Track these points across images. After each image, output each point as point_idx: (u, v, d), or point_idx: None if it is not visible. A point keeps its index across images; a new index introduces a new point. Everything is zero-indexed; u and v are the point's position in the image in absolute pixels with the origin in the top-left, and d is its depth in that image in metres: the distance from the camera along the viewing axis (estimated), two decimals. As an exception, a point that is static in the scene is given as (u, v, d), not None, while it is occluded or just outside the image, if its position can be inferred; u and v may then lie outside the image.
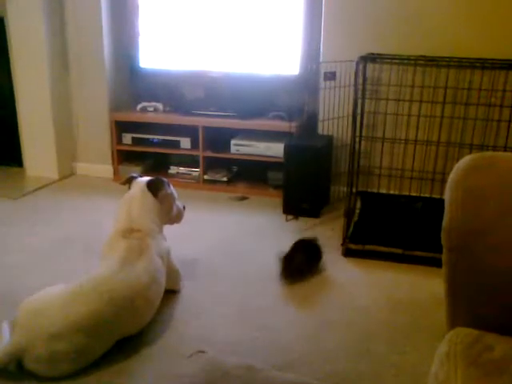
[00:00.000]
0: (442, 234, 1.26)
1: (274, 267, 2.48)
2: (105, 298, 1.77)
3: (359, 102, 2.63)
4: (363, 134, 2.98)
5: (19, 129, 3.77)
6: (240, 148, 3.46)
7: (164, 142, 3.63)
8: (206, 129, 3.50)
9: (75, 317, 1.69)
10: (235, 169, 3.70)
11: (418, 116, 3.01)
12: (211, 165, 3.65)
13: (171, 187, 2.28)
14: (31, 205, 3.26)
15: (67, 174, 3.83)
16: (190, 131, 3.56)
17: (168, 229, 2.28)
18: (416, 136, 3.03)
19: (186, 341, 1.90)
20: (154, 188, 2.17)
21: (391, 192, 3.14)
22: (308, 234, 2.84)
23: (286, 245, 2.71)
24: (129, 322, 1.85)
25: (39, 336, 1.64)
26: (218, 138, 3.55)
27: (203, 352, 1.74)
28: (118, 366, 1.76)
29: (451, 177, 1.30)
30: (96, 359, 1.75)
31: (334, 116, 3.22)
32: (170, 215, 2.29)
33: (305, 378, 1.70)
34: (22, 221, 3.00)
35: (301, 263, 2.37)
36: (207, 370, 1.60)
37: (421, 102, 3.00)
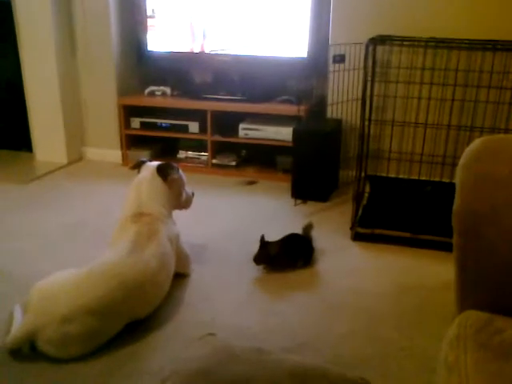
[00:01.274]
0: (453, 218, 1.25)
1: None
2: (114, 282, 1.79)
3: (368, 84, 2.60)
4: (372, 117, 2.95)
5: (28, 114, 3.77)
6: (248, 132, 3.45)
7: (172, 126, 3.62)
8: (215, 113, 3.49)
9: (85, 300, 1.71)
10: (244, 153, 3.69)
11: (429, 99, 2.98)
12: (220, 149, 3.64)
13: (180, 172, 2.28)
14: (41, 190, 3.28)
15: (76, 158, 3.84)
16: (199, 115, 3.55)
17: (177, 213, 2.29)
18: (426, 119, 3.00)
19: (195, 324, 1.91)
20: (163, 172, 2.17)
21: (400, 176, 3.12)
22: (316, 219, 2.84)
23: (294, 229, 2.71)
24: (138, 306, 1.87)
25: (51, 319, 1.67)
26: (227, 122, 3.53)
27: (213, 335, 1.75)
28: (127, 348, 1.78)
29: (462, 160, 1.29)
30: (106, 341, 1.77)
31: (342, 99, 3.19)
32: (179, 200, 2.29)
33: (313, 361, 1.71)
34: (32, 206, 3.02)
35: (273, 255, 2.28)
36: (216, 353, 1.61)
37: (431, 84, 2.97)
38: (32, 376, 1.63)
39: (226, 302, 2.06)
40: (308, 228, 2.46)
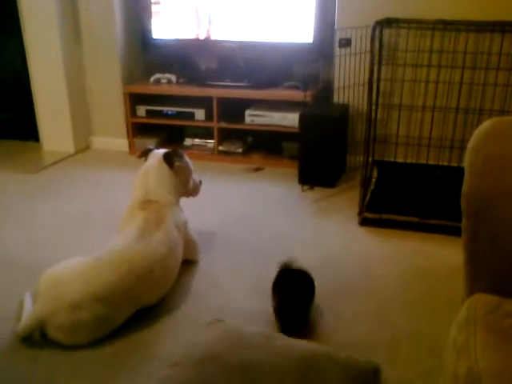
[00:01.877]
0: (462, 200, 1.24)
1: (291, 238, 2.49)
2: (123, 269, 1.80)
3: (375, 68, 2.57)
4: (379, 101, 2.93)
5: (35, 104, 3.78)
6: (255, 118, 3.43)
7: (178, 113, 3.61)
8: (221, 100, 3.47)
9: (95, 287, 1.72)
10: (250, 140, 3.67)
11: (437, 82, 2.94)
12: (226, 136, 3.63)
13: (187, 159, 2.28)
14: (49, 179, 3.30)
15: (83, 147, 3.85)
16: (205, 102, 3.53)
17: (184, 201, 2.29)
18: (434, 103, 2.97)
19: (204, 311, 1.92)
20: (170, 160, 2.17)
21: (408, 161, 3.10)
22: (323, 205, 2.84)
23: (301, 215, 2.71)
24: (147, 293, 1.88)
25: (60, 306, 1.68)
26: (233, 109, 3.52)
27: (221, 321, 1.76)
28: (137, 334, 1.79)
29: (471, 142, 1.27)
30: (116, 328, 1.79)
31: (349, 84, 3.17)
32: (187, 188, 2.29)
33: (321, 346, 1.72)
34: (40, 195, 3.04)
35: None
36: (225, 339, 1.62)
37: (439, 67, 2.93)
38: (43, 362, 1.65)
39: (234, 288, 2.07)
40: (290, 264, 1.94)
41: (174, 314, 1.91)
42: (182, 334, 1.79)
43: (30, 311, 1.76)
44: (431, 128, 3.00)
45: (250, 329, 1.67)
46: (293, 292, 1.83)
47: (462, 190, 1.24)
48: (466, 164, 1.27)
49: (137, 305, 1.85)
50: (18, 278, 2.13)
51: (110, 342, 1.74)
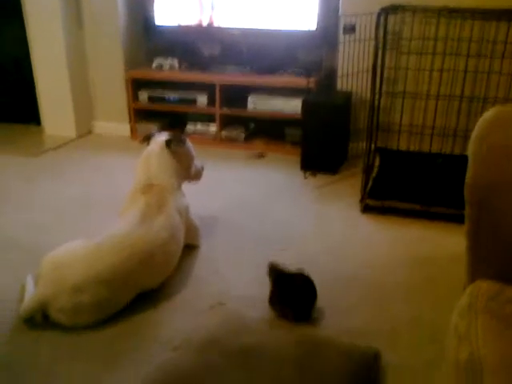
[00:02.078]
0: (465, 189, 1.23)
1: (292, 224, 2.49)
2: (125, 253, 1.80)
3: (379, 55, 2.55)
4: (383, 89, 2.91)
5: (36, 88, 3.76)
6: (257, 105, 3.42)
7: (180, 99, 3.59)
8: (223, 86, 3.45)
9: (96, 270, 1.73)
10: (252, 126, 3.66)
11: (441, 70, 2.92)
12: (228, 122, 3.62)
13: (189, 144, 2.28)
14: (51, 162, 3.29)
15: (85, 132, 3.84)
16: (207, 88, 3.51)
17: (186, 186, 2.29)
18: (438, 91, 2.95)
19: (205, 295, 1.93)
20: (172, 144, 2.17)
21: (411, 149, 3.09)
22: (325, 192, 2.84)
23: (303, 201, 2.71)
24: (148, 276, 1.89)
25: (62, 288, 1.69)
26: (235, 95, 3.50)
27: (223, 304, 1.77)
28: (139, 317, 1.80)
29: (475, 131, 1.27)
30: (118, 310, 1.80)
31: (353, 71, 3.15)
32: (189, 173, 2.29)
33: (323, 331, 1.73)
34: (42, 178, 3.04)
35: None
36: (227, 323, 1.63)
37: (444, 55, 2.91)
38: (45, 344, 1.66)
39: (235, 274, 2.08)
40: (275, 268, 1.87)
41: (174, 298, 1.92)
42: (182, 318, 1.80)
43: (32, 293, 1.77)
44: (435, 116, 2.98)
45: (252, 313, 1.68)
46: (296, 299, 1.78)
47: (466, 178, 1.24)
48: (469, 153, 1.27)
49: (138, 288, 1.86)
50: (19, 260, 2.14)
51: (112, 324, 1.75)
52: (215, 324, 1.63)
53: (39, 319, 1.72)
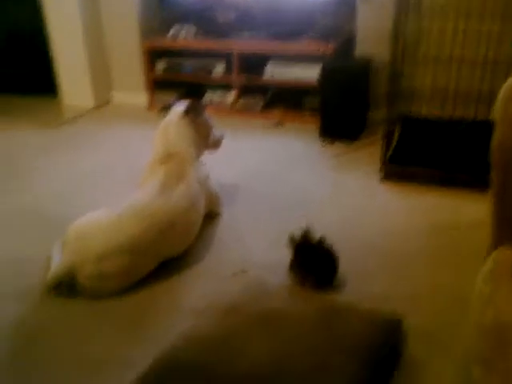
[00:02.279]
0: (492, 152, 1.21)
1: (311, 192, 2.49)
2: (146, 222, 1.82)
3: (401, 18, 2.48)
4: (404, 53, 2.83)
5: (54, 58, 3.76)
6: (275, 72, 3.37)
7: (197, 68, 3.56)
8: (240, 53, 3.40)
9: (119, 240, 1.76)
10: (270, 94, 3.62)
11: (465, 31, 2.82)
12: (245, 91, 3.58)
13: (208, 114, 2.27)
14: (71, 133, 3.32)
15: (103, 102, 3.84)
16: (224, 57, 3.47)
17: (205, 155, 2.29)
18: (462, 54, 2.86)
19: (227, 262, 1.95)
20: (190, 113, 2.16)
21: (433, 115, 3.02)
22: (344, 160, 2.81)
23: (322, 170, 2.69)
24: (170, 245, 1.92)
25: (88, 257, 1.72)
26: (253, 63, 3.45)
27: (245, 271, 1.79)
28: (162, 284, 1.83)
29: (502, 92, 1.23)
30: (142, 278, 1.83)
31: (373, 35, 3.06)
32: (207, 141, 2.29)
33: (344, 297, 1.74)
34: (63, 149, 3.07)
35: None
36: (248, 290, 1.65)
37: (468, 15, 2.80)
38: (73, 310, 1.71)
39: (256, 241, 2.09)
40: (306, 234, 1.86)
41: (197, 265, 1.95)
42: (205, 285, 1.83)
43: (58, 262, 1.81)
44: (458, 80, 2.91)
45: (273, 280, 1.70)
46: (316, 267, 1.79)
47: (492, 142, 1.22)
48: (496, 115, 1.24)
49: (160, 257, 1.88)
50: (43, 230, 2.18)
51: (136, 291, 1.79)
52: (237, 290, 1.65)
53: (65, 287, 1.77)
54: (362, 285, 1.82)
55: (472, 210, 2.27)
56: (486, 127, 1.30)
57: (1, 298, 1.77)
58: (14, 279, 1.87)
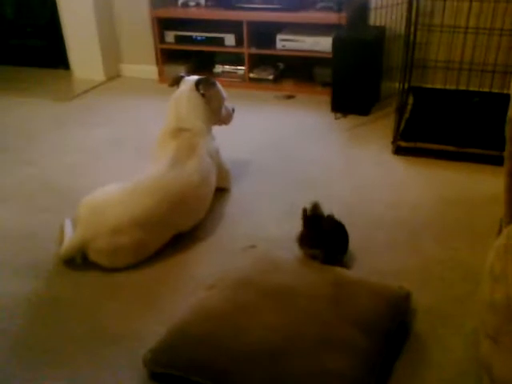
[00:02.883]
0: (507, 126, 1.19)
1: (323, 166, 2.48)
2: (158, 196, 1.83)
3: (416, -14, 2.41)
4: (419, 22, 2.77)
5: (64, 31, 3.73)
6: (286, 43, 3.32)
7: (208, 39, 3.51)
8: (251, 23, 3.35)
9: (132, 213, 1.77)
10: (281, 66, 3.57)
11: (481, 0, 2.75)
12: (257, 62, 3.54)
13: (219, 86, 2.24)
14: (82, 107, 3.31)
15: (113, 75, 3.82)
16: (235, 27, 3.42)
17: (216, 129, 2.28)
18: (477, 23, 2.79)
19: (237, 237, 1.96)
20: (201, 87, 2.14)
21: (447, 87, 2.97)
22: (356, 133, 2.79)
23: (334, 143, 2.67)
24: (182, 219, 1.93)
25: (101, 231, 1.74)
26: (264, 34, 3.40)
27: (254, 247, 1.80)
28: (174, 258, 1.85)
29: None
30: (154, 252, 1.85)
31: (387, 3, 2.99)
32: (219, 115, 2.27)
33: (354, 272, 1.75)
34: (74, 122, 3.07)
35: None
36: (259, 263, 1.67)
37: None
38: (87, 284, 1.74)
39: (266, 216, 2.09)
40: (316, 208, 1.81)
41: (208, 239, 1.96)
42: (216, 259, 1.84)
43: (71, 235, 1.84)
44: (473, 51, 2.84)
45: (283, 254, 1.70)
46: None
47: (508, 114, 1.19)
48: (512, 88, 1.21)
49: (173, 230, 1.90)
50: (56, 203, 2.20)
51: (149, 265, 1.81)
52: (249, 264, 1.67)
53: (79, 261, 1.80)
54: (372, 259, 1.82)
55: (486, 185, 2.24)
56: (501, 100, 1.27)
57: (13, 271, 1.80)
58: (26, 252, 1.90)
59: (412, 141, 2.52)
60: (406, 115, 2.74)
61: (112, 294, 1.69)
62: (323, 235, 1.76)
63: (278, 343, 1.34)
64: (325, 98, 3.16)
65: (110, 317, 1.60)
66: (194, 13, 3.51)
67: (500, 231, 1.27)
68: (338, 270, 1.67)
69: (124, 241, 1.75)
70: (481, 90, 2.90)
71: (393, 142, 2.57)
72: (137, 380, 1.37)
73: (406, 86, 2.66)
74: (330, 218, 1.80)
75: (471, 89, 2.88)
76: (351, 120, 2.96)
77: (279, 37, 3.32)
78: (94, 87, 3.63)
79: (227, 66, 3.58)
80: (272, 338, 1.35)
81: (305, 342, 1.34)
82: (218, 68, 3.60)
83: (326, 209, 1.80)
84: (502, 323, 0.95)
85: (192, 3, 3.55)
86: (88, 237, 1.75)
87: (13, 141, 2.85)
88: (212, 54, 3.68)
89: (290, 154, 2.60)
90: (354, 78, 2.93)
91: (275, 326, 1.39)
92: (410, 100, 2.84)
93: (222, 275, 1.64)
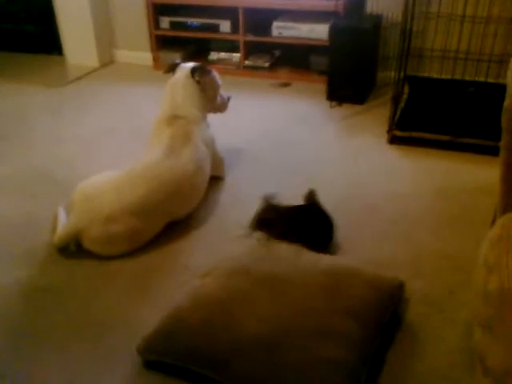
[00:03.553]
0: (503, 116, 1.19)
1: (317, 155, 2.47)
2: (153, 184, 1.83)
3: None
4: (416, 10, 2.75)
5: (57, 16, 3.68)
6: (282, 31, 3.29)
7: (203, 25, 3.48)
8: (247, 10, 3.32)
9: (127, 201, 1.76)
10: (277, 53, 3.55)
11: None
12: (252, 50, 3.51)
13: (215, 74, 2.23)
14: (76, 93, 3.28)
15: (107, 61, 3.78)
16: (230, 13, 3.38)
17: (210, 117, 2.26)
18: (475, 12, 2.77)
19: (230, 225, 1.95)
20: (197, 74, 2.12)
21: (443, 76, 2.96)
22: (351, 122, 2.78)
23: (329, 132, 2.67)
24: (177, 207, 1.92)
25: (95, 219, 1.73)
26: (259, 21, 3.37)
27: (249, 234, 1.80)
28: (169, 246, 1.85)
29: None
30: (149, 240, 1.85)
31: (384, -8, 2.97)
32: (214, 103, 2.26)
33: (347, 261, 1.75)
34: (68, 110, 3.04)
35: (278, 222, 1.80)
36: (254, 252, 1.67)
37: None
38: (81, 271, 1.73)
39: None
40: (311, 196, 1.85)
41: (203, 227, 1.96)
42: (210, 247, 1.84)
43: (65, 224, 1.83)
44: (470, 40, 2.83)
45: (280, 243, 1.70)
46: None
47: (504, 104, 1.19)
48: (509, 76, 1.21)
49: (167, 218, 1.90)
50: (49, 191, 2.19)
51: (144, 253, 1.81)
52: (243, 252, 1.67)
53: (73, 249, 1.79)
54: (367, 248, 1.83)
55: (481, 175, 2.25)
56: (496, 90, 1.27)
57: (8, 259, 1.79)
58: (21, 240, 1.89)
59: (407, 130, 2.51)
60: (402, 104, 2.73)
61: (106, 282, 1.69)
62: (304, 230, 1.76)
63: (273, 333, 1.34)
64: (320, 86, 3.15)
65: (104, 304, 1.59)
66: (189, -2, 3.47)
67: (494, 221, 1.28)
68: (333, 258, 1.68)
69: (118, 229, 1.74)
70: (476, 79, 2.89)
71: (388, 132, 2.57)
72: (131, 368, 1.37)
73: (402, 75, 2.65)
74: (298, 207, 1.80)
75: (467, 78, 2.87)
76: (346, 108, 2.95)
77: (275, 24, 3.29)
78: (87, 73, 3.59)
79: (222, 53, 3.55)
80: (266, 327, 1.36)
81: (299, 331, 1.34)
82: (214, 55, 3.57)
83: (322, 197, 1.80)
84: (495, 313, 0.96)
85: (187, -11, 3.50)
86: (82, 225, 1.74)
87: (6, 128, 2.82)
88: (207, 41, 3.64)
89: (284, 143, 2.60)
90: (350, 67, 2.91)
91: (269, 315, 1.39)
92: (406, 89, 2.83)
93: (217, 263, 1.63)
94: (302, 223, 1.79)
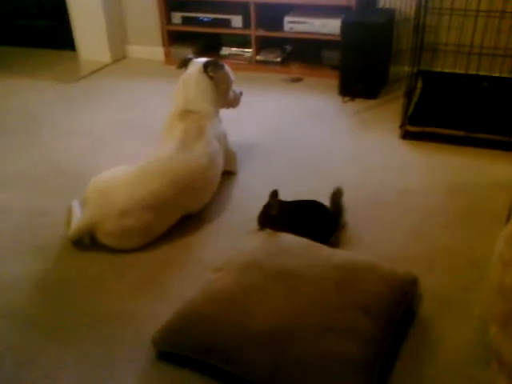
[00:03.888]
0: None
1: (330, 150, 2.47)
2: (166, 179, 1.83)
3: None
4: (429, 4, 2.73)
5: (70, 12, 3.70)
6: (294, 26, 3.28)
7: (215, 20, 3.48)
8: (258, 5, 3.31)
9: (140, 195, 1.78)
10: (289, 48, 3.54)
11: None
12: (264, 45, 3.51)
13: (228, 69, 2.23)
14: (89, 88, 3.30)
15: (119, 56, 3.80)
16: (242, 8, 3.38)
17: (223, 112, 2.26)
18: (489, 6, 2.75)
19: (243, 220, 1.96)
20: (210, 69, 2.13)
21: (457, 71, 2.93)
22: (364, 117, 2.77)
23: (341, 127, 2.66)
24: (189, 201, 1.93)
25: (109, 213, 1.75)
26: (271, 15, 3.36)
27: (262, 229, 1.80)
28: (182, 240, 1.86)
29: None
30: (162, 234, 1.86)
31: (397, -14, 2.95)
32: (226, 98, 2.26)
33: (360, 256, 1.75)
34: (80, 104, 3.06)
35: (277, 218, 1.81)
36: (266, 246, 1.67)
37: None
38: (95, 265, 1.75)
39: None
40: (337, 195, 1.91)
41: (215, 222, 1.97)
42: (223, 241, 1.85)
43: (79, 217, 1.85)
44: (484, 34, 2.80)
45: (292, 237, 1.70)
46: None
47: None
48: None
49: (180, 212, 1.91)
50: (64, 185, 2.21)
51: (157, 246, 1.82)
52: (255, 247, 1.67)
53: (87, 242, 1.81)
54: (378, 243, 1.82)
55: (495, 171, 2.23)
56: (511, 85, 1.25)
57: (22, 253, 1.82)
58: (34, 234, 1.91)
59: (420, 125, 2.50)
60: (415, 99, 2.71)
61: (120, 275, 1.70)
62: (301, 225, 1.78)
63: (285, 327, 1.35)
64: (332, 81, 3.14)
65: (117, 297, 1.61)
66: (201, -7, 3.47)
67: (509, 218, 1.27)
68: (345, 253, 1.68)
69: (132, 223, 1.75)
70: (491, 74, 2.86)
71: (401, 127, 2.56)
72: (145, 360, 1.39)
73: (415, 69, 2.63)
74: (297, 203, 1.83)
75: (481, 73, 2.85)
76: (359, 103, 2.94)
77: (287, 19, 3.28)
78: (100, 69, 3.61)
79: (234, 48, 3.55)
80: (279, 321, 1.36)
81: (311, 326, 1.34)
82: (225, 50, 3.57)
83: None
84: (510, 308, 0.95)
85: (199, -16, 3.51)
86: (96, 219, 1.76)
87: (19, 123, 2.85)
88: (219, 36, 3.64)
89: (296, 138, 2.59)
90: (362, 61, 2.90)
91: (282, 310, 1.40)
92: (419, 84, 2.81)
93: (230, 258, 1.64)
94: (301, 219, 1.82)
